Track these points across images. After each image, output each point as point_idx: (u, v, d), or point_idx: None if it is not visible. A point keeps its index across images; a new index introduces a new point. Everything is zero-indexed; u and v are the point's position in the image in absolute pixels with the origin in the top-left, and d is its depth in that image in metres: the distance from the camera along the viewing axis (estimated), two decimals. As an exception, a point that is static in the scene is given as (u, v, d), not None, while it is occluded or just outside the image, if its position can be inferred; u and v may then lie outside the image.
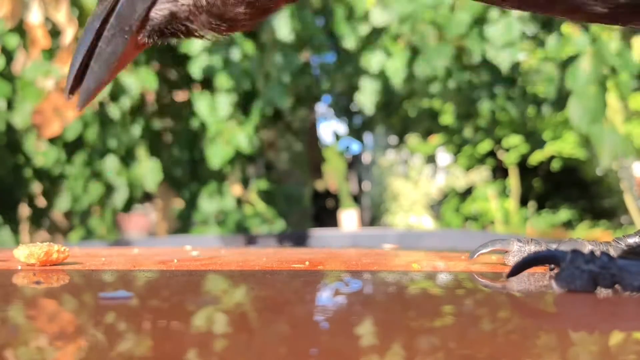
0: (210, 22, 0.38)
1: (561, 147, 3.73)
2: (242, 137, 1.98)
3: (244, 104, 2.05)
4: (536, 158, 3.92)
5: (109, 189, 1.89)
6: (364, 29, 2.03)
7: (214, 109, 1.96)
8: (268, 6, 0.38)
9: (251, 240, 1.44)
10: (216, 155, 1.98)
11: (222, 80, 1.93)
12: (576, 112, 1.16)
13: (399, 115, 3.00)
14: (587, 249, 0.35)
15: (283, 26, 1.85)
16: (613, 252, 0.36)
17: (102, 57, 0.38)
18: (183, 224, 2.14)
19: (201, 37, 0.39)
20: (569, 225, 4.03)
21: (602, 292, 0.27)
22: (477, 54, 1.91)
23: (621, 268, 0.26)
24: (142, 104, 2.05)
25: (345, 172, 6.31)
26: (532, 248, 0.37)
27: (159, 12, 0.37)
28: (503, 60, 1.83)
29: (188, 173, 2.14)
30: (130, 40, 0.37)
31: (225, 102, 1.95)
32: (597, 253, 0.27)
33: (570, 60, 1.64)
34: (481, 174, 4.21)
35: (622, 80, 1.50)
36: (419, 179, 4.85)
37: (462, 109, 2.88)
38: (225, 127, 1.98)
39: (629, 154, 1.34)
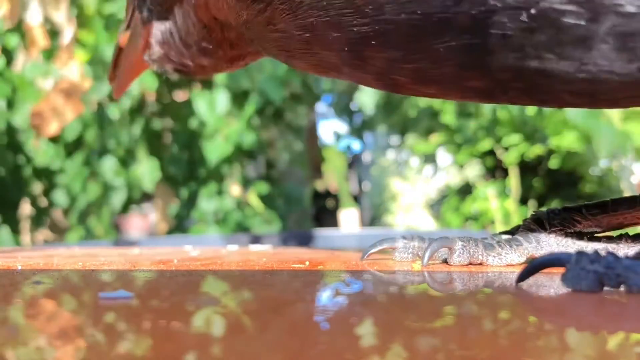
0: (177, 69, 0.46)
1: (560, 141, 3.73)
2: (240, 132, 1.98)
3: (242, 101, 2.05)
4: (534, 151, 3.92)
5: (108, 189, 1.89)
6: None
7: (212, 106, 1.95)
8: (221, 66, 0.45)
9: (251, 240, 1.44)
10: (214, 151, 1.97)
11: (221, 75, 1.93)
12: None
13: (400, 114, 3.00)
14: (458, 244, 0.36)
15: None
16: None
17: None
18: (179, 223, 2.13)
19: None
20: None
21: (607, 293, 0.27)
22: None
23: (627, 268, 0.26)
24: (142, 104, 2.05)
25: (345, 172, 6.31)
26: (415, 244, 0.39)
27: (150, 52, 0.45)
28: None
29: (187, 173, 2.14)
30: (140, 54, 0.45)
31: (223, 98, 1.95)
32: (603, 253, 0.27)
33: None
34: (473, 168, 4.20)
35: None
36: (419, 179, 4.85)
37: (463, 107, 2.88)
38: (223, 123, 1.98)
39: (627, 151, 1.33)
